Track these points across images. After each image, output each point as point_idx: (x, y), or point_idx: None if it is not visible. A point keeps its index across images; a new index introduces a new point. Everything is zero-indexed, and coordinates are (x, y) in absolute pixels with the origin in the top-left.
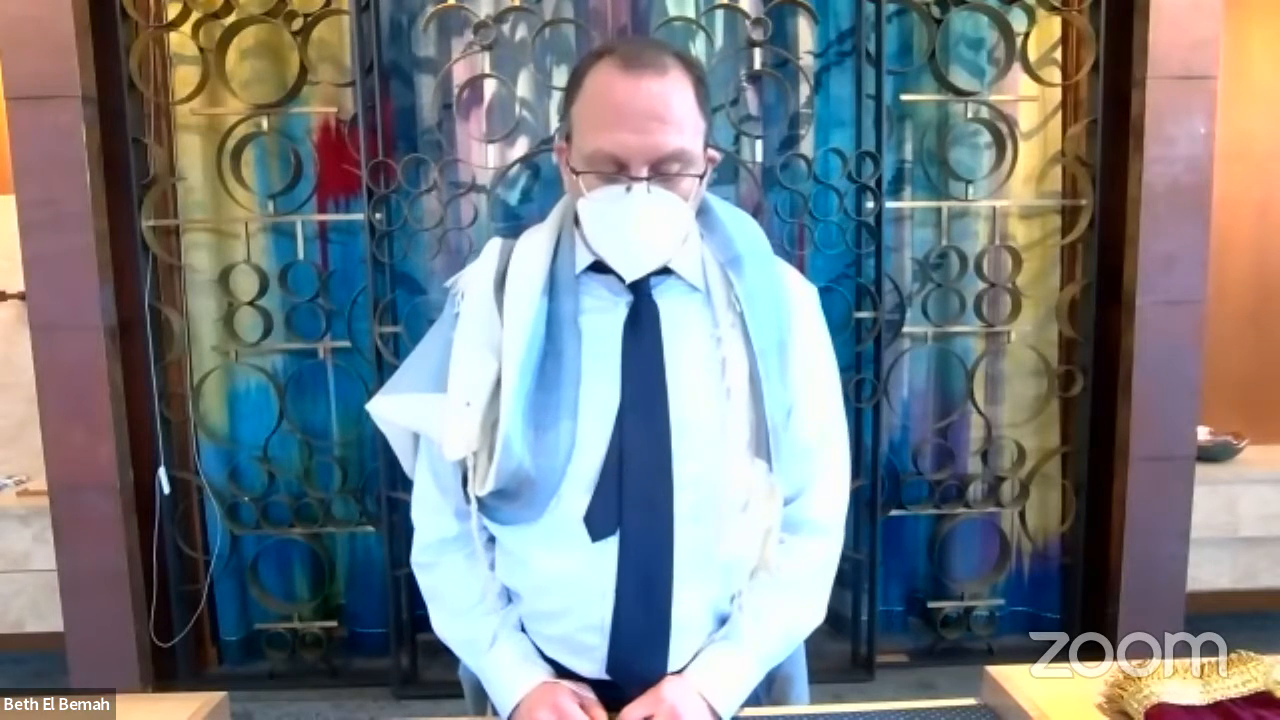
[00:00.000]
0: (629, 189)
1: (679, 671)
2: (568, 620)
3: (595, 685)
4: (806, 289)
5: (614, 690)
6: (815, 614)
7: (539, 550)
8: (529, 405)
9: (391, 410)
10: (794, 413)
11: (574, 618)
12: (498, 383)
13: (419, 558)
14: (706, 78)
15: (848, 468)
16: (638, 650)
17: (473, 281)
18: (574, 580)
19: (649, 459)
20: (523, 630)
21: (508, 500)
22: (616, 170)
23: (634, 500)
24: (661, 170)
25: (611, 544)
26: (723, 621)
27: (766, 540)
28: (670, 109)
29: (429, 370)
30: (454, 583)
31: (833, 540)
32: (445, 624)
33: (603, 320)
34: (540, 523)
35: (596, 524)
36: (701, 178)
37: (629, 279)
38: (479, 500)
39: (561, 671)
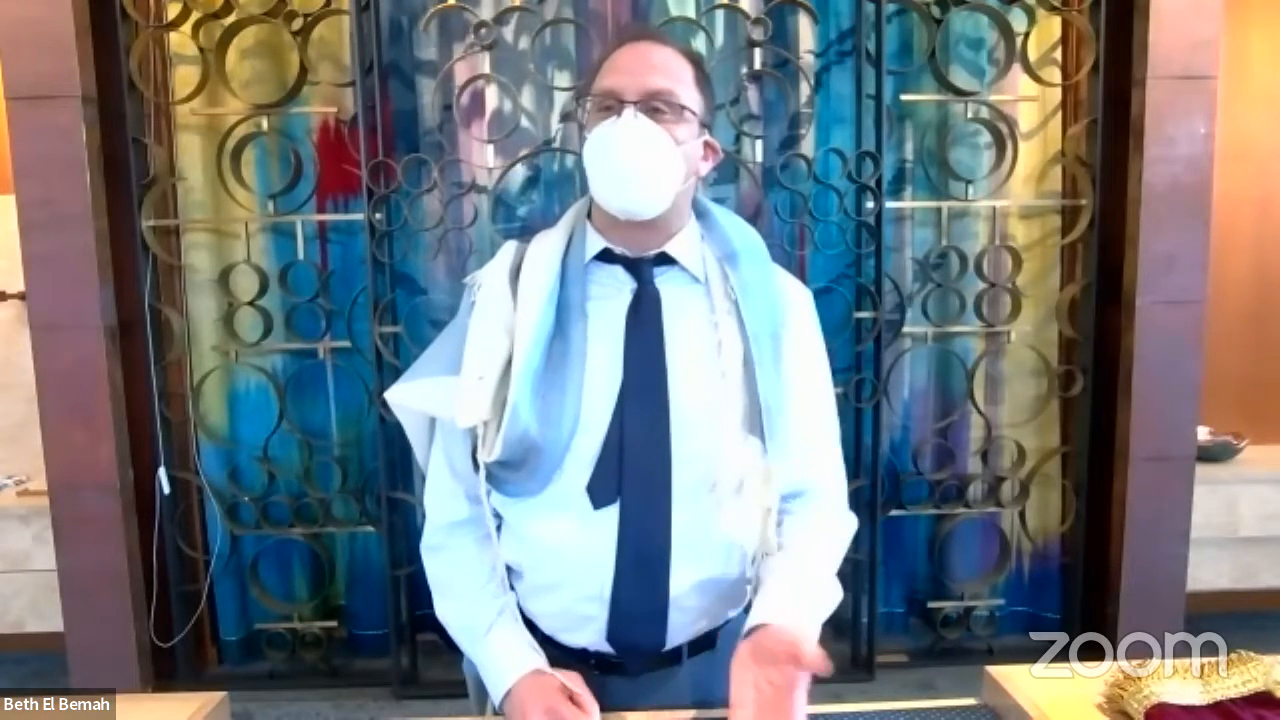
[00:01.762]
0: (619, 115)
1: (692, 652)
2: (567, 591)
3: (589, 658)
4: (802, 291)
5: (609, 666)
6: (838, 588)
7: (541, 521)
8: (537, 382)
9: (409, 396)
10: (791, 407)
11: (573, 588)
12: (509, 362)
13: (429, 540)
14: (708, 71)
15: (842, 464)
16: (636, 619)
17: (489, 275)
18: (575, 549)
19: (649, 435)
20: (521, 613)
21: (513, 470)
22: (613, 102)
23: (634, 472)
24: (653, 106)
25: (612, 513)
26: (721, 604)
27: (766, 521)
28: (665, 62)
29: (446, 358)
30: (460, 566)
31: (848, 529)
32: (448, 608)
33: (608, 306)
34: (543, 495)
35: (598, 493)
36: (702, 155)
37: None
38: (487, 471)
39: (558, 647)
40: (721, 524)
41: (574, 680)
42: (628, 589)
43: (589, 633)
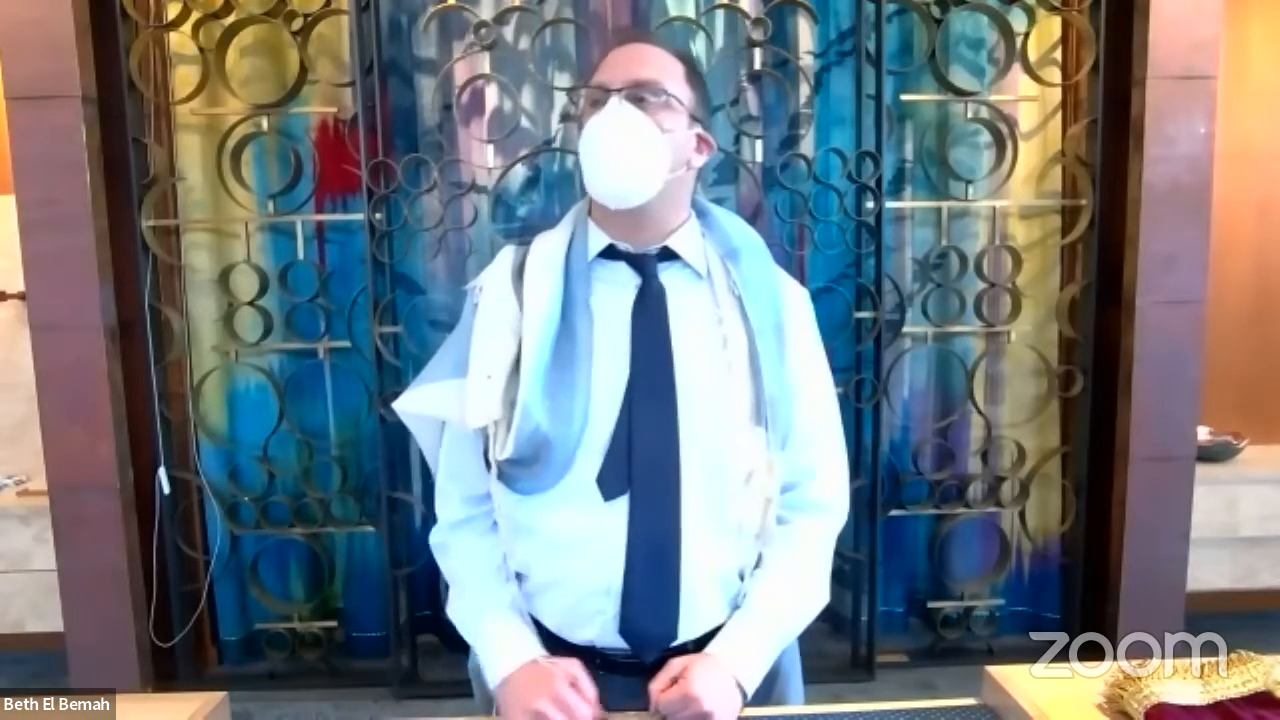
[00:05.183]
0: (606, 104)
1: (700, 647)
2: (575, 585)
3: (595, 656)
4: (800, 290)
5: (614, 664)
6: (822, 591)
7: (551, 516)
8: (546, 379)
9: (416, 403)
10: (795, 400)
11: (582, 581)
12: (516, 361)
13: (435, 538)
14: (700, 71)
15: (845, 451)
16: (648, 609)
17: (490, 278)
18: (585, 542)
19: (657, 427)
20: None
21: (525, 467)
22: (600, 94)
23: (643, 463)
24: (638, 95)
25: (622, 505)
26: (730, 593)
27: (767, 510)
28: (652, 56)
29: (451, 363)
30: (465, 560)
31: (835, 516)
32: (456, 603)
33: (613, 301)
34: (553, 490)
35: (608, 484)
36: (695, 147)
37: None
38: (499, 469)
39: (564, 645)
40: (730, 514)
41: (574, 665)
42: (639, 579)
43: (596, 627)
